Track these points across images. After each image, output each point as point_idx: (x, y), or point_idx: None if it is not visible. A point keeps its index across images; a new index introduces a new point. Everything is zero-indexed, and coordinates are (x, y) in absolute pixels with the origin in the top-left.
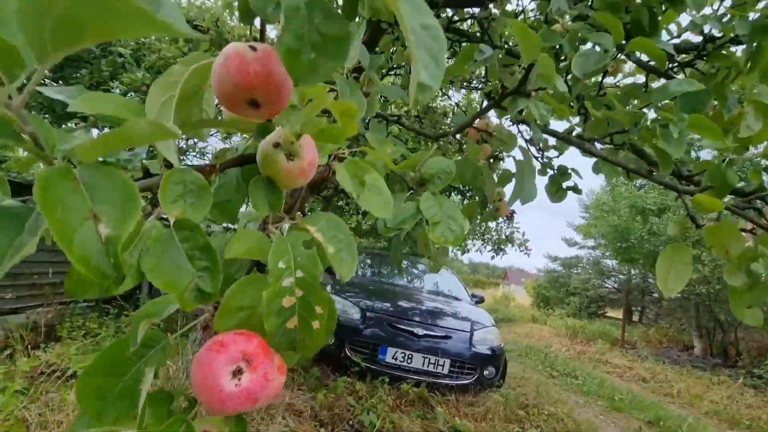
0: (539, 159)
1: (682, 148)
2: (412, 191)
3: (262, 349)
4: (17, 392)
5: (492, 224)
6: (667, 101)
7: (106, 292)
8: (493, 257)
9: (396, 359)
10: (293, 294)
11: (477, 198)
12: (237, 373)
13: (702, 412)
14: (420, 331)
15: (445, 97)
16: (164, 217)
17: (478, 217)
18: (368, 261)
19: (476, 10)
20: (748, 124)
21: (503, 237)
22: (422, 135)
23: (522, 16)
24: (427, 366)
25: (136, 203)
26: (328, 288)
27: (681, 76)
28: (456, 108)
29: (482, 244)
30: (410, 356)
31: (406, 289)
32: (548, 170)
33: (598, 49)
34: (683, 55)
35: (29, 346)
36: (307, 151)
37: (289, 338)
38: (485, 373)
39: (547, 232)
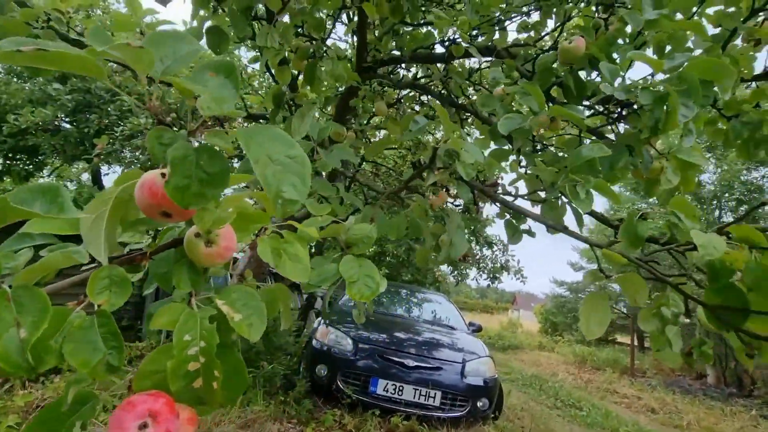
0: (494, 203)
1: (589, 206)
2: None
3: (168, 407)
4: (10, 428)
5: (487, 253)
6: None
7: (28, 375)
8: (488, 285)
9: (387, 391)
10: (197, 360)
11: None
12: (143, 427)
13: None
14: (411, 363)
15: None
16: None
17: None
18: None
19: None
20: (668, 178)
21: (498, 266)
22: (373, 190)
23: (476, 74)
24: (418, 398)
25: (48, 313)
26: (323, 317)
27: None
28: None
29: (478, 273)
30: (401, 388)
31: (401, 319)
32: (505, 214)
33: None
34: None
35: (28, 379)
36: (223, 239)
37: (196, 396)
38: (478, 404)
39: (553, 256)
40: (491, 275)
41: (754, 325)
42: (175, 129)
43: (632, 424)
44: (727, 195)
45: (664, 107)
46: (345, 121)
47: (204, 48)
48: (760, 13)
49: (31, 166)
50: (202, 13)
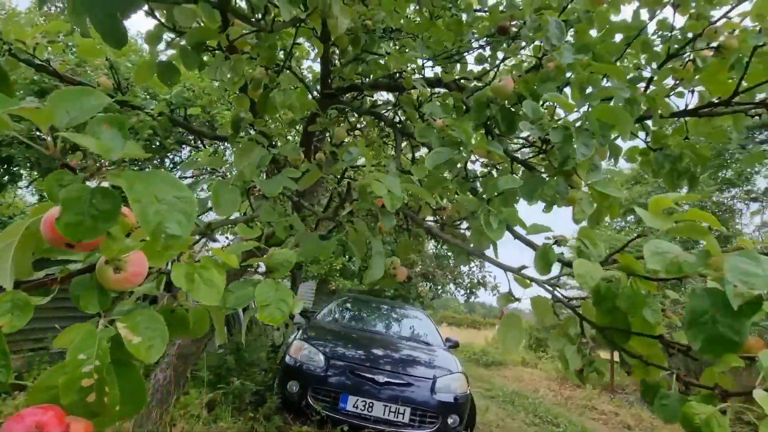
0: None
1: (501, 234)
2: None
3: (56, 419)
4: None
5: (464, 269)
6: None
7: None
8: (465, 300)
9: (357, 407)
10: (91, 377)
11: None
12: None
13: None
14: (381, 379)
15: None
16: None
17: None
18: (348, 305)
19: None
20: (582, 208)
21: (475, 281)
22: (312, 214)
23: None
24: (388, 414)
25: None
26: (299, 333)
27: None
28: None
29: (455, 288)
30: (371, 405)
31: (379, 336)
32: None
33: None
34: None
35: None
36: (132, 265)
37: (89, 409)
38: (448, 421)
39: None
40: (468, 290)
41: (635, 344)
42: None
43: None
44: None
45: (573, 145)
46: (311, 143)
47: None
48: (686, 53)
49: (6, 177)
50: (163, 43)
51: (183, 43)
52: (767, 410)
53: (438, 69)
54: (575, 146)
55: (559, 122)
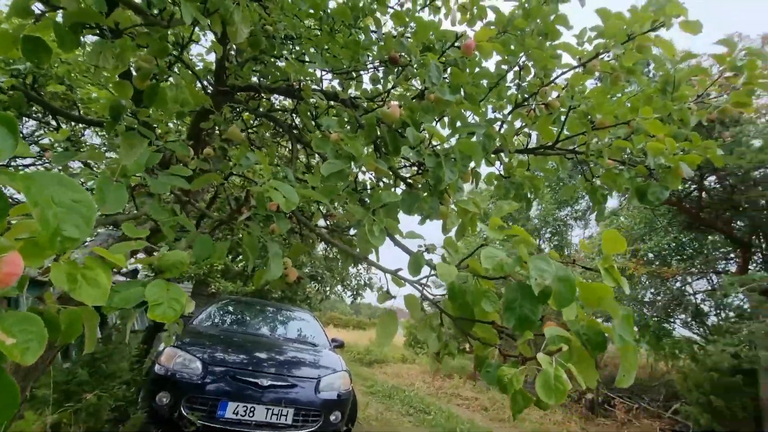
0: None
1: (382, 241)
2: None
3: None
4: None
5: (352, 270)
6: None
7: None
8: (352, 302)
9: (237, 414)
10: None
11: None
12: None
13: None
14: (264, 382)
15: None
16: None
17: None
18: (230, 308)
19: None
20: (452, 220)
21: (362, 283)
22: (204, 215)
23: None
24: (270, 417)
25: None
26: (173, 338)
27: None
28: None
29: (343, 290)
30: (252, 409)
31: (262, 338)
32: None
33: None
34: None
35: None
36: (5, 265)
37: None
38: (331, 418)
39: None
40: (355, 292)
41: (477, 329)
42: None
43: (468, 422)
44: (544, 228)
45: (443, 169)
46: (200, 137)
47: None
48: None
49: None
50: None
51: (58, 19)
52: (544, 366)
53: (335, 83)
54: (444, 171)
55: (434, 149)
